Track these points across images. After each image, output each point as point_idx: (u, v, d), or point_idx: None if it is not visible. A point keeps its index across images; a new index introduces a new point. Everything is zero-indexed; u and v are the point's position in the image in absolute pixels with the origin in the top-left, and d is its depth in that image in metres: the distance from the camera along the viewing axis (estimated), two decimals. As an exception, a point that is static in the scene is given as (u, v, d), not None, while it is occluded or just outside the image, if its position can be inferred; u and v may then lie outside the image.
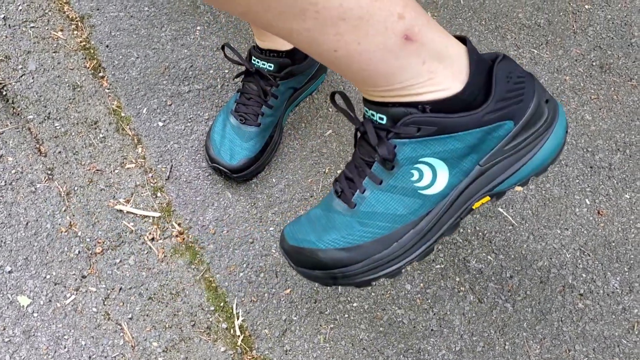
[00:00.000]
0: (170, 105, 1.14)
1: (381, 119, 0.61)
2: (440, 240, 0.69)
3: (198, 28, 1.23)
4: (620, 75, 1.22)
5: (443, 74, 0.59)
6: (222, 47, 1.01)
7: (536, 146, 0.67)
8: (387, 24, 0.53)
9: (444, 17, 1.28)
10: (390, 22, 0.53)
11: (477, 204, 0.67)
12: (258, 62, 1.00)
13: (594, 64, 1.23)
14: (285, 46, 1.00)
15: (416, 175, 0.63)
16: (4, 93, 1.13)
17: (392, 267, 0.65)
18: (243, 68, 1.06)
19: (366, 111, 0.64)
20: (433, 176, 0.63)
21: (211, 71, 1.18)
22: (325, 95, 1.16)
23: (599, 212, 1.05)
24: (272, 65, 1.00)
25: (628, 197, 1.07)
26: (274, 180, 1.07)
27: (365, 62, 0.55)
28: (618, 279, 0.99)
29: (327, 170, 1.08)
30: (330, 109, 1.15)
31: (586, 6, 1.32)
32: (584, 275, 1.00)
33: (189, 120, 1.12)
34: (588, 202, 1.06)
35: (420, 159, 0.62)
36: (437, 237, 0.66)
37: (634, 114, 1.16)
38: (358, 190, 0.65)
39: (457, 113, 0.60)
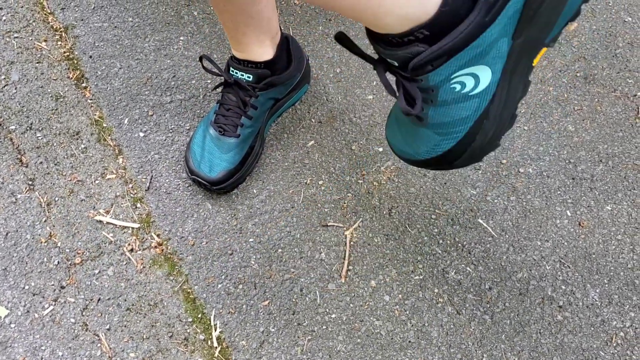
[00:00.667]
0: (151, 115, 1.14)
1: (392, 63, 0.58)
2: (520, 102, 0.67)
3: (181, 38, 1.23)
4: (604, 86, 1.22)
5: None
6: (200, 59, 1.01)
7: None
8: None
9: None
10: None
11: (536, 60, 0.63)
12: (236, 72, 1.01)
13: (578, 74, 1.23)
14: (264, 57, 1.00)
15: (458, 86, 0.59)
16: (-13, 103, 1.14)
17: (494, 144, 0.65)
18: (222, 79, 1.06)
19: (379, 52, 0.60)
20: (475, 80, 0.59)
21: (193, 81, 1.18)
22: (309, 106, 1.16)
23: (580, 224, 1.05)
24: (251, 76, 1.00)
25: (609, 208, 1.07)
26: (254, 191, 1.07)
27: None
28: (597, 291, 0.99)
29: (308, 181, 1.08)
30: (313, 119, 1.15)
31: (571, 17, 1.32)
32: (563, 287, 0.99)
33: (170, 130, 1.12)
34: (569, 214, 1.06)
35: (453, 76, 0.58)
36: (516, 103, 0.64)
37: (617, 125, 1.16)
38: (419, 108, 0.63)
39: (458, 28, 0.54)
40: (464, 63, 0.56)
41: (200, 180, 1.02)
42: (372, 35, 0.58)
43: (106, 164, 1.09)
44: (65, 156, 1.10)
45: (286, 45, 1.05)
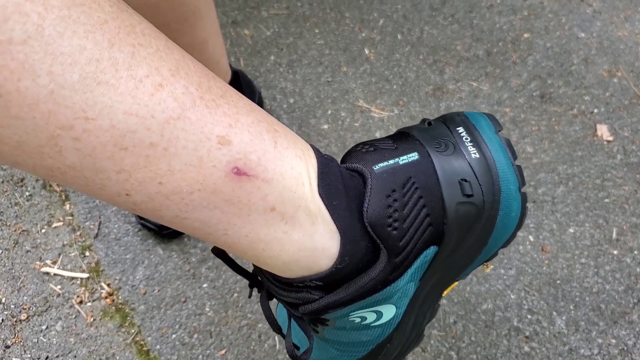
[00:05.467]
0: (99, 158, 1.09)
1: (282, 295, 0.47)
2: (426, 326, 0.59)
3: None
4: (561, 104, 1.20)
5: (309, 223, 0.41)
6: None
7: (482, 244, 0.49)
8: (201, 153, 0.35)
9: (382, 53, 1.26)
10: (205, 150, 0.35)
11: (446, 292, 0.55)
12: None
13: (534, 94, 1.22)
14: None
15: (358, 319, 0.49)
16: None
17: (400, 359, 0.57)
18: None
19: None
20: (377, 314, 0.49)
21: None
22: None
23: (543, 249, 1.03)
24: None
25: (572, 231, 1.05)
26: (208, 232, 1.03)
27: (179, 209, 0.37)
28: (564, 318, 0.97)
29: (264, 218, 1.05)
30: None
31: (525, 35, 1.31)
32: (529, 316, 0.97)
33: (119, 173, 1.08)
34: (532, 239, 1.04)
35: (352, 314, 0.48)
36: (424, 326, 0.56)
37: (576, 144, 1.15)
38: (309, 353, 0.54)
39: (356, 281, 0.44)
40: (364, 306, 0.47)
41: (148, 225, 0.97)
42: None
43: (52, 211, 1.05)
44: (9, 205, 1.05)
45: (237, 82, 1.02)
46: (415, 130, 0.47)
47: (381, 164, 0.44)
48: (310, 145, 0.44)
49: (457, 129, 0.47)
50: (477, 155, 0.45)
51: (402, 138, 0.47)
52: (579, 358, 0.93)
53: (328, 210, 0.42)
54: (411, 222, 0.43)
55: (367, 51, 1.26)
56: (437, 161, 0.44)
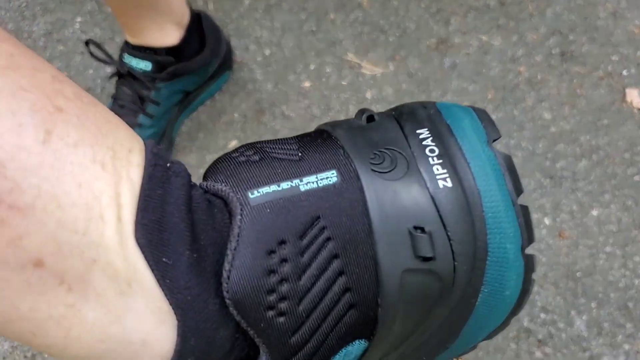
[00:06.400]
0: (36, 115, 0.93)
1: None
2: None
3: (78, 19, 1.01)
4: (585, 64, 1.03)
5: (115, 293, 0.23)
6: (86, 44, 0.80)
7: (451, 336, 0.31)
8: None
9: (376, -1, 1.08)
10: None
11: None
12: (131, 60, 0.80)
13: (553, 51, 1.04)
14: (165, 41, 0.79)
15: None
16: None
17: None
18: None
19: None
20: None
21: (90, 71, 0.97)
22: (231, 97, 0.95)
23: (560, 235, 0.87)
24: (149, 63, 0.79)
25: (595, 214, 0.88)
26: (163, 206, 0.87)
27: None
28: (584, 318, 0.81)
29: (230, 190, 0.88)
30: (236, 114, 0.94)
31: (544, -17, 1.13)
32: (542, 315, 0.81)
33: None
34: (548, 222, 0.87)
35: None
36: None
37: (601, 112, 0.98)
38: None
39: None
40: None
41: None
42: None
43: None
44: None
45: (197, 25, 0.85)
46: (343, 128, 0.27)
47: (264, 189, 0.24)
48: (145, 141, 0.24)
49: (418, 131, 0.26)
50: (449, 184, 0.25)
51: (317, 141, 0.26)
52: (601, 367, 0.78)
53: (153, 272, 0.22)
54: (315, 302, 0.24)
55: None
56: (371, 190, 0.24)
